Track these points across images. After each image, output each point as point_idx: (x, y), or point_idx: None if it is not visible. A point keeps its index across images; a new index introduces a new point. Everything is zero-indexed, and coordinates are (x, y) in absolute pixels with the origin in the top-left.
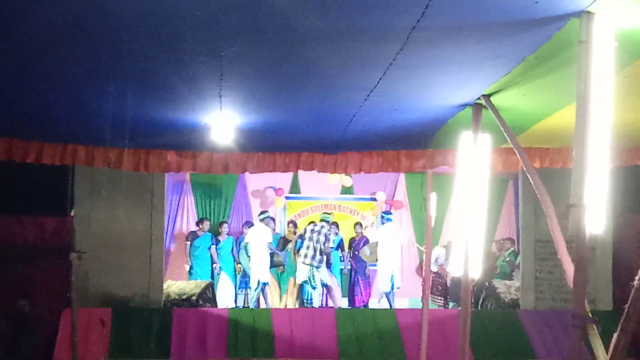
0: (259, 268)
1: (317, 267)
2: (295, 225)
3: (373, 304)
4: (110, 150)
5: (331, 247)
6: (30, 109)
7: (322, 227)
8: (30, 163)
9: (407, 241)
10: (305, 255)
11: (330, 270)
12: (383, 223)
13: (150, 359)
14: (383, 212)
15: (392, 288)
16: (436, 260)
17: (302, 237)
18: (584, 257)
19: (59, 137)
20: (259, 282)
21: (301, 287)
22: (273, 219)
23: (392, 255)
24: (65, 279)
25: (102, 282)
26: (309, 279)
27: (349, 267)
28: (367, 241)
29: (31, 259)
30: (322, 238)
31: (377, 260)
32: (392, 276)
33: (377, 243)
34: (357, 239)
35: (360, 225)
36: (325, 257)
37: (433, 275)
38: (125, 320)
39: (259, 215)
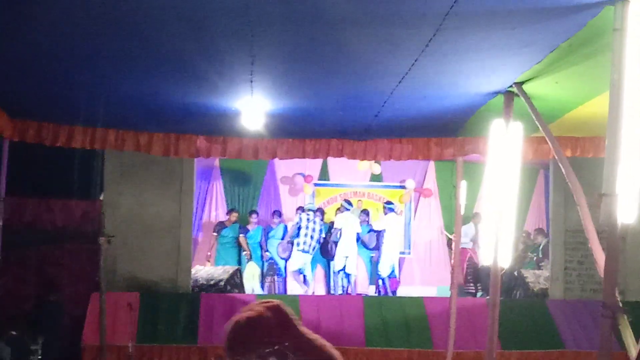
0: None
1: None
2: (322, 213)
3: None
4: (140, 134)
5: (330, 238)
6: (61, 92)
7: (316, 215)
8: (60, 147)
9: (437, 229)
10: (304, 243)
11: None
12: (386, 213)
13: (177, 344)
14: (385, 203)
15: (392, 275)
16: (466, 235)
17: (298, 225)
18: (615, 246)
19: (89, 121)
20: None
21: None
22: (303, 209)
23: (394, 243)
24: (93, 263)
25: (130, 267)
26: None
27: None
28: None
29: (60, 242)
30: (317, 227)
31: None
32: (392, 264)
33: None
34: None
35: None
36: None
37: (466, 262)
38: (152, 304)
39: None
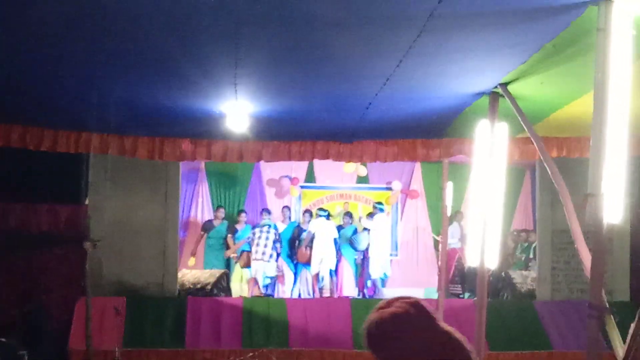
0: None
1: (268, 262)
2: (310, 215)
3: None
4: (125, 138)
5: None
6: (45, 97)
7: (269, 230)
8: (44, 151)
9: (423, 231)
10: (257, 252)
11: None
12: (375, 214)
13: (164, 348)
14: (375, 203)
15: (385, 276)
16: (453, 236)
17: (251, 239)
18: (601, 247)
19: (73, 125)
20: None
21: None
22: (289, 208)
23: (383, 244)
24: (79, 268)
25: (116, 271)
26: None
27: (362, 258)
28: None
29: (45, 247)
30: (270, 236)
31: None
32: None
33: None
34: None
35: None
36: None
37: (455, 262)
38: (139, 309)
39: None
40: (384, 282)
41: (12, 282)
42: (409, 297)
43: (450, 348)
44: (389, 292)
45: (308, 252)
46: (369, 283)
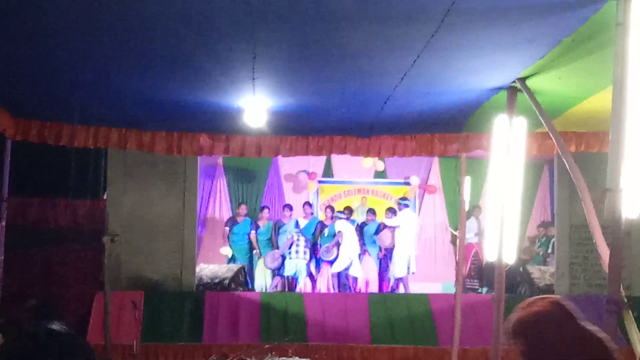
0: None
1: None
2: (332, 210)
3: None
4: (143, 133)
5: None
6: (63, 92)
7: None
8: (63, 146)
9: (441, 226)
10: (297, 252)
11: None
12: (400, 209)
13: (182, 342)
14: (400, 199)
15: (408, 273)
16: (470, 230)
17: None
18: (620, 242)
19: (92, 120)
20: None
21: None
22: (310, 204)
23: (408, 241)
24: (97, 262)
25: (135, 266)
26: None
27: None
28: (385, 227)
29: (64, 241)
30: (301, 241)
31: (394, 245)
32: (408, 261)
33: (394, 229)
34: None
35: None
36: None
37: (472, 257)
38: (157, 303)
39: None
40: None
41: (30, 277)
42: (551, 296)
43: (592, 347)
44: (412, 287)
45: (336, 251)
46: (391, 281)
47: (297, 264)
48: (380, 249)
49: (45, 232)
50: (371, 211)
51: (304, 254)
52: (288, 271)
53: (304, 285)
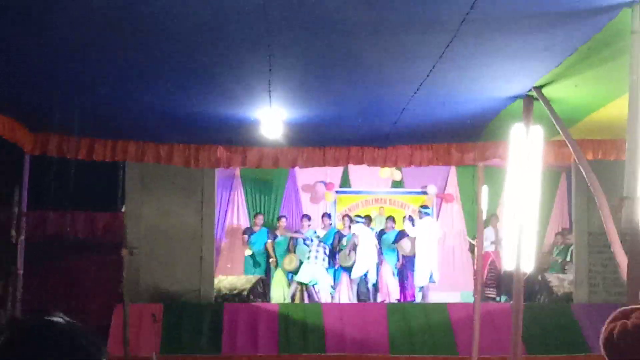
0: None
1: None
2: (350, 219)
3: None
4: (160, 146)
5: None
6: (81, 105)
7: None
8: (81, 159)
9: (459, 235)
10: (316, 257)
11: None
12: (421, 217)
13: (201, 354)
14: (421, 207)
15: (430, 281)
16: (487, 239)
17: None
18: (638, 249)
19: (110, 133)
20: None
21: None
22: (329, 215)
23: (430, 249)
24: (117, 275)
25: (153, 278)
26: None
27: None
28: (406, 235)
29: (83, 254)
30: (321, 248)
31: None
32: (430, 270)
33: (415, 237)
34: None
35: (410, 218)
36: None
37: (488, 266)
38: (176, 315)
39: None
40: (428, 288)
41: (50, 290)
42: None
43: None
44: (432, 297)
45: (353, 255)
46: (417, 290)
47: (314, 270)
48: (398, 258)
49: (64, 246)
50: (390, 219)
51: (323, 261)
52: (303, 277)
53: (326, 294)
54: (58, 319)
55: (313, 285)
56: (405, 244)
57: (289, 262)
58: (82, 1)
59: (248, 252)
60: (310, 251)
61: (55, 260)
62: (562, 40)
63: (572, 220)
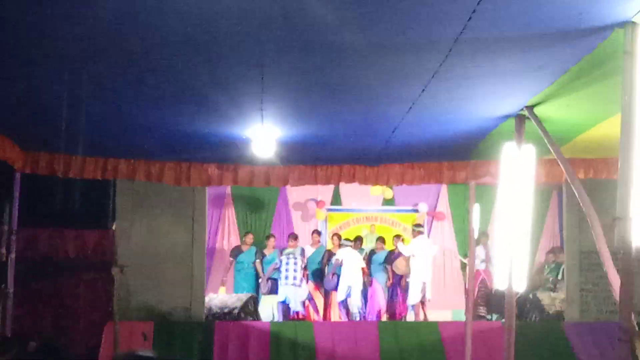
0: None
1: (300, 286)
2: (339, 238)
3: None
4: (151, 164)
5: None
6: (71, 123)
7: (295, 256)
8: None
9: (450, 253)
10: (287, 277)
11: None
12: (415, 236)
13: None
14: (414, 225)
15: (424, 299)
16: (477, 257)
17: (279, 265)
18: (630, 270)
19: (100, 151)
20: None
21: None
22: (319, 232)
23: (424, 267)
24: (107, 293)
25: (144, 296)
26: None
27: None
28: (399, 255)
29: (73, 272)
30: (298, 262)
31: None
32: (423, 288)
33: (409, 257)
34: (396, 252)
35: (399, 237)
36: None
37: (479, 284)
38: (167, 333)
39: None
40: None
41: (40, 308)
42: None
43: None
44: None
45: (335, 279)
46: (409, 309)
47: (287, 290)
48: (388, 277)
49: (55, 263)
50: (380, 239)
51: (294, 279)
52: (280, 297)
53: (303, 311)
54: (149, 353)
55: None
56: (400, 264)
57: (263, 287)
58: (75, 20)
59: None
60: (281, 272)
61: (46, 278)
62: (554, 60)
63: (563, 238)
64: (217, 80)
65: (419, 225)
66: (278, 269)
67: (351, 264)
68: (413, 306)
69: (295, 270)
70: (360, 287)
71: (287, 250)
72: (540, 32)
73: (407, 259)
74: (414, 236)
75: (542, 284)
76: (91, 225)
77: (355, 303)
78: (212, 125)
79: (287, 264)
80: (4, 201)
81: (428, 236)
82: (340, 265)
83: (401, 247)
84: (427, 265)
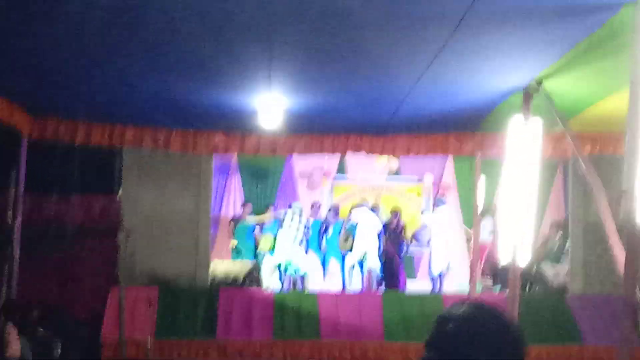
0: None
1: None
2: (336, 213)
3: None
4: (158, 131)
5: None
6: (79, 89)
7: (302, 213)
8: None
9: (457, 224)
10: (293, 236)
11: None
12: (437, 206)
13: (196, 339)
14: (435, 197)
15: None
16: (484, 228)
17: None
18: (635, 244)
19: (107, 118)
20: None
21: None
22: (319, 205)
23: (448, 237)
24: (113, 258)
25: (149, 262)
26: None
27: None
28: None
29: (80, 238)
30: (302, 220)
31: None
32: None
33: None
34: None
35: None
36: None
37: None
38: (171, 299)
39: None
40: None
41: (46, 273)
42: None
43: None
44: (422, 286)
45: (350, 242)
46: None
47: (290, 248)
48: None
49: (61, 229)
50: (396, 214)
51: (299, 241)
52: (279, 257)
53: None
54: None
55: (294, 271)
56: (424, 235)
57: (264, 242)
58: None
59: (234, 242)
60: (285, 220)
61: (52, 243)
62: (563, 34)
63: (567, 211)
64: (226, 49)
65: (440, 197)
66: (280, 222)
67: (367, 225)
68: (438, 275)
69: (297, 229)
70: (376, 254)
71: (294, 204)
72: (549, 6)
73: (428, 230)
74: (435, 206)
75: (546, 255)
76: (97, 192)
77: (374, 269)
78: (220, 93)
79: (291, 219)
80: (10, 166)
81: (433, 208)
82: (354, 228)
83: (424, 219)
84: (449, 236)
